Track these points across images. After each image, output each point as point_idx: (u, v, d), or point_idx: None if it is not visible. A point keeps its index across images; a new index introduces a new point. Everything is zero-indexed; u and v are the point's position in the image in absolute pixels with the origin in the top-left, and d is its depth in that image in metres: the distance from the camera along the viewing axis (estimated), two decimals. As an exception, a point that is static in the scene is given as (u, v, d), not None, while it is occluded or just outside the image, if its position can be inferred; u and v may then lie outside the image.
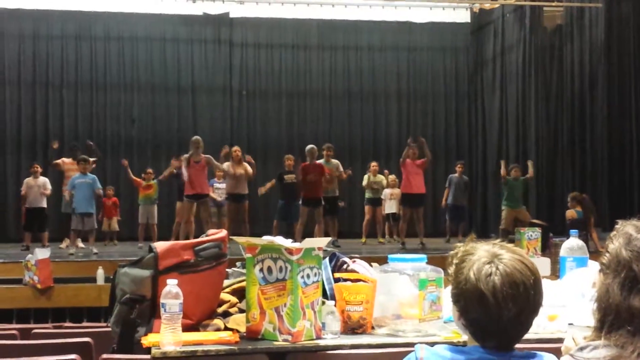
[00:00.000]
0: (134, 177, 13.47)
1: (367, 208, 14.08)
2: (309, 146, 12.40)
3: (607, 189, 12.85)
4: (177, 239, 11.13)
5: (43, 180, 12.40)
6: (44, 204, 12.40)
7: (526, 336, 2.52)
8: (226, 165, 12.11)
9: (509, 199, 12.81)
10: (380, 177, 14.16)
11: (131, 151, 15.60)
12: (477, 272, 1.77)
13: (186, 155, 11.63)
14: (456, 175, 14.30)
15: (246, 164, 12.22)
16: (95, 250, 11.65)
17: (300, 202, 12.36)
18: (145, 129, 15.94)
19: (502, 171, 12.90)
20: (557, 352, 1.85)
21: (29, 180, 12.41)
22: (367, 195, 14.09)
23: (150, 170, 13.70)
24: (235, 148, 12.45)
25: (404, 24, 16.46)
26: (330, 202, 12.52)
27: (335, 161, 12.56)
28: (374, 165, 14.12)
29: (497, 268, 1.76)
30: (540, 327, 2.66)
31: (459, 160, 14.87)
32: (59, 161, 12.68)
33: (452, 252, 1.90)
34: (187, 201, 11.67)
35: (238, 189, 12.11)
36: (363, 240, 13.78)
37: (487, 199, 16.01)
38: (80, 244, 11.97)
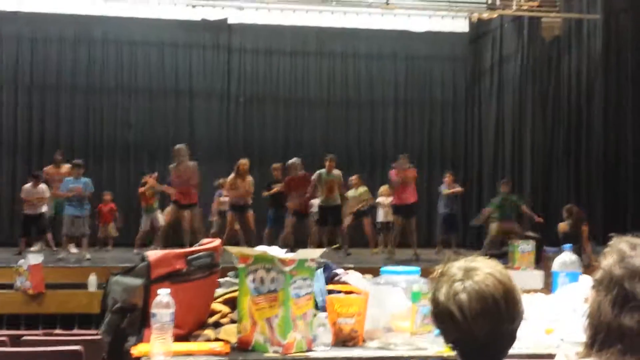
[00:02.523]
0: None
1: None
2: (291, 160, 12.45)
3: (602, 200, 12.84)
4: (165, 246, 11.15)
5: (43, 187, 12.38)
6: (44, 209, 12.41)
7: (519, 351, 2.53)
8: (231, 176, 12.17)
9: (500, 213, 12.81)
10: (362, 189, 13.97)
11: (127, 156, 15.59)
12: (446, 292, 1.79)
13: (171, 165, 11.66)
14: (444, 185, 14.17)
15: (250, 178, 12.30)
16: (88, 256, 11.62)
17: (287, 213, 12.53)
18: (142, 134, 15.92)
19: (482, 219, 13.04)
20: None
21: (27, 187, 12.38)
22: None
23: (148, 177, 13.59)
24: (244, 161, 12.44)
25: (402, 33, 16.46)
26: (334, 211, 12.53)
27: (337, 172, 12.58)
28: (354, 179, 13.97)
29: (464, 285, 1.77)
30: (534, 342, 2.66)
31: (447, 171, 14.69)
32: (42, 173, 12.72)
33: (431, 275, 1.90)
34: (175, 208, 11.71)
35: (243, 200, 12.23)
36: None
37: (482, 208, 15.97)
38: (73, 249, 11.94)
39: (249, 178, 12.28)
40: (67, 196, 11.71)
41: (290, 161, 12.48)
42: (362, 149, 16.63)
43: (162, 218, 13.14)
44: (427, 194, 15.19)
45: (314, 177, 12.32)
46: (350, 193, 13.76)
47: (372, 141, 16.79)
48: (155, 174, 13.39)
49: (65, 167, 12.69)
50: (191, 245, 3.08)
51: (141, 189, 13.33)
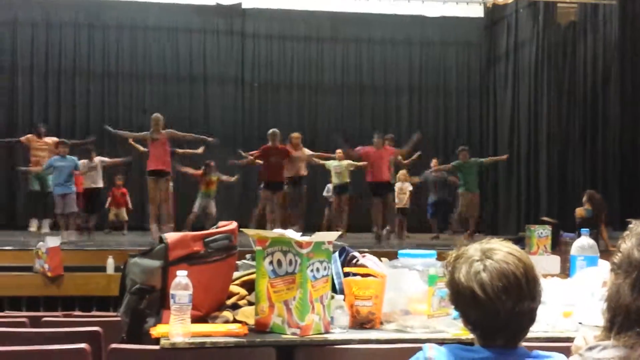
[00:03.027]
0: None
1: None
2: (272, 130, 12.23)
3: (618, 186, 12.80)
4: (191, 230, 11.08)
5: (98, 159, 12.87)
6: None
7: (536, 335, 2.54)
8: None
9: (466, 183, 12.79)
10: (345, 162, 13.32)
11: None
12: (466, 272, 1.80)
13: (146, 133, 11.56)
14: (431, 171, 13.97)
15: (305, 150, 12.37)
16: (73, 239, 11.37)
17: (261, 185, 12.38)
18: (156, 119, 15.93)
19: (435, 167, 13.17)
20: (568, 352, 1.85)
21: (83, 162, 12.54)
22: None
23: (212, 163, 13.49)
24: (296, 134, 12.47)
25: (416, 18, 16.40)
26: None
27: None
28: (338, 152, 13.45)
29: (484, 264, 1.79)
30: (551, 326, 2.66)
31: (434, 158, 14.36)
32: (23, 139, 12.74)
33: (446, 260, 1.91)
34: (149, 178, 11.44)
35: (298, 172, 12.22)
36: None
37: (498, 194, 15.97)
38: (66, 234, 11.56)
39: (303, 149, 12.37)
40: (49, 173, 11.70)
41: (271, 130, 12.25)
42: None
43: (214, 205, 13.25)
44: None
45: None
46: (334, 163, 13.28)
47: (386, 127, 16.70)
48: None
49: (49, 140, 12.54)
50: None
51: (199, 172, 13.20)
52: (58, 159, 11.58)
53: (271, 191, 12.02)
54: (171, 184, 12.23)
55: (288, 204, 12.34)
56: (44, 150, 12.32)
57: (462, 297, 1.81)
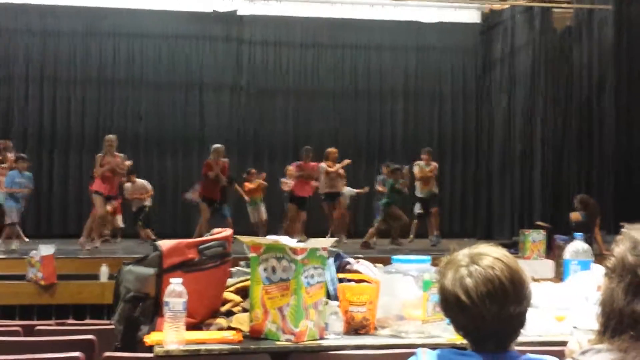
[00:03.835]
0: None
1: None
2: (218, 145, 12.29)
3: (612, 191, 12.80)
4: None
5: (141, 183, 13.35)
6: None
7: (529, 339, 2.54)
8: (322, 165, 12.34)
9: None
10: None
11: (138, 148, 15.61)
12: (452, 278, 1.81)
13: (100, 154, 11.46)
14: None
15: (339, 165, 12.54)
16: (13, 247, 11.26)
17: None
18: (153, 126, 15.94)
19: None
20: (561, 356, 1.85)
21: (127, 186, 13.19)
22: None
23: (254, 170, 13.72)
24: (332, 149, 12.63)
25: (412, 24, 16.42)
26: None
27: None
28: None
29: (469, 270, 1.79)
30: (544, 330, 2.66)
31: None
32: None
33: (438, 266, 1.92)
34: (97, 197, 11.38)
35: (334, 187, 12.41)
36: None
37: (491, 200, 15.98)
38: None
39: (337, 165, 12.50)
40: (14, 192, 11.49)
41: (216, 145, 12.28)
42: (372, 141, 16.61)
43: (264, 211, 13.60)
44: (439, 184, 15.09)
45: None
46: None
47: (382, 133, 16.77)
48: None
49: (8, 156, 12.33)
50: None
51: (248, 184, 13.50)
52: (17, 175, 11.44)
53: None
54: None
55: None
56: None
57: (449, 303, 1.82)
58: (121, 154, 11.78)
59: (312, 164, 12.48)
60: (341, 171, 12.64)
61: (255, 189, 13.49)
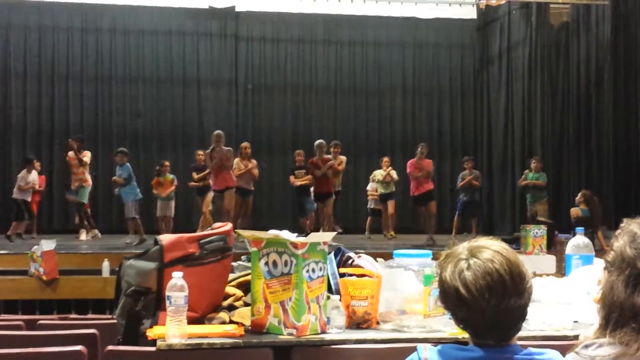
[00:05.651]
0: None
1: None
2: (318, 141, 12.42)
3: (612, 186, 12.83)
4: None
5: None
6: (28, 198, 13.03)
7: (531, 333, 2.55)
8: (236, 160, 12.13)
9: None
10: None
11: (136, 144, 15.61)
12: (451, 272, 1.82)
13: (207, 151, 11.76)
14: (466, 172, 14.13)
15: (254, 162, 12.32)
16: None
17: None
18: (150, 123, 15.94)
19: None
20: (564, 350, 1.85)
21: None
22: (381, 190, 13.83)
23: (167, 163, 13.51)
24: (245, 144, 12.49)
25: (409, 20, 16.42)
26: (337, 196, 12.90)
27: (342, 157, 12.78)
28: (386, 160, 13.92)
29: (469, 263, 1.80)
30: (547, 324, 2.67)
31: (468, 157, 14.69)
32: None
33: (438, 260, 1.93)
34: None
35: (246, 184, 12.16)
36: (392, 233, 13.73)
37: (492, 195, 15.99)
38: None
39: (253, 161, 12.32)
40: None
41: (317, 142, 12.42)
42: (370, 137, 16.62)
43: None
44: (437, 182, 15.09)
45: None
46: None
47: (380, 129, 16.76)
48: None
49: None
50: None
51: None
52: None
53: (321, 202, 12.43)
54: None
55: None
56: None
57: (448, 296, 1.83)
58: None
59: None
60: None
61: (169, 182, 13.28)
